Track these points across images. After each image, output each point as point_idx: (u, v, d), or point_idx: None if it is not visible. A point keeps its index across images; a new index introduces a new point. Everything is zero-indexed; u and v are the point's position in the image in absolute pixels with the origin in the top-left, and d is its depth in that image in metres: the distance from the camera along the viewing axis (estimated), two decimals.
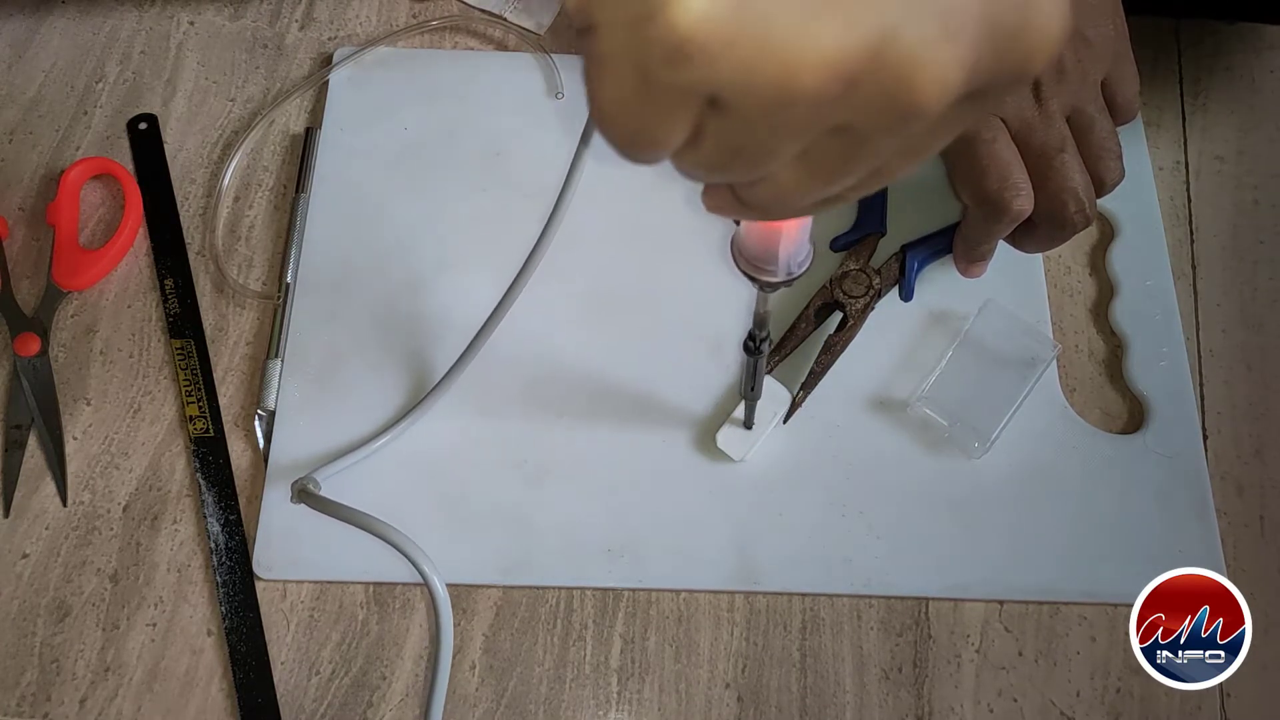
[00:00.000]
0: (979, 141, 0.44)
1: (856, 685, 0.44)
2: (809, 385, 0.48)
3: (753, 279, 0.35)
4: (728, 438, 0.46)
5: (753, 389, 0.44)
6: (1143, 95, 0.57)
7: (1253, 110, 0.58)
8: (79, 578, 0.45)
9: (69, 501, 0.46)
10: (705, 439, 0.47)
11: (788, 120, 0.21)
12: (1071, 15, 0.21)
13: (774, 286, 0.35)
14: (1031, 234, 0.46)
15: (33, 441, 0.47)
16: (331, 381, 0.48)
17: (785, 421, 0.47)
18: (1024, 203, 0.44)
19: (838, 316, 0.50)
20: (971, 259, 0.49)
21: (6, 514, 0.46)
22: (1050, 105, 0.44)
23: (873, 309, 0.49)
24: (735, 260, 0.35)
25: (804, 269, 0.35)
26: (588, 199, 0.53)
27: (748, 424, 0.46)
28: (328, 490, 0.45)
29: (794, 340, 0.49)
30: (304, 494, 0.44)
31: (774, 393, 0.47)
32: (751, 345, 0.41)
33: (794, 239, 0.33)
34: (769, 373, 0.48)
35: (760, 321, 0.40)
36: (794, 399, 0.47)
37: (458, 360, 0.47)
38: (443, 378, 0.47)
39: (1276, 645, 0.45)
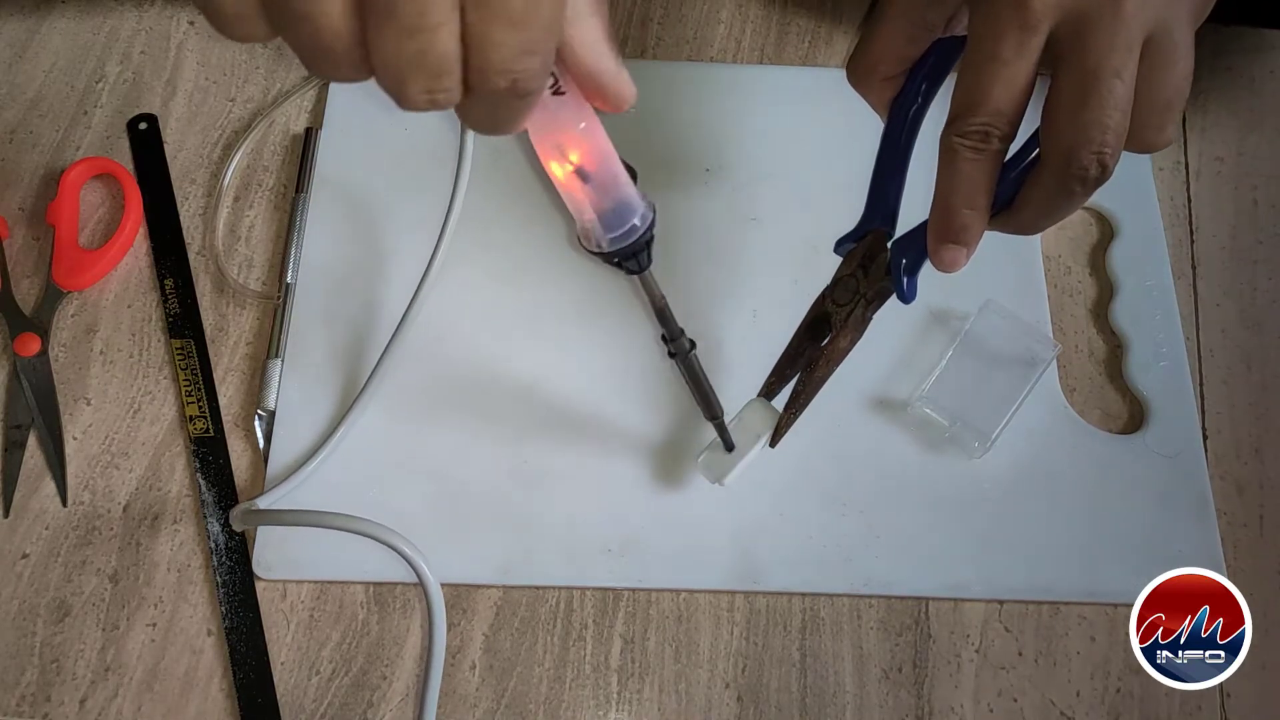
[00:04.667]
0: (1105, 71, 0.33)
1: (856, 685, 0.44)
2: (793, 406, 0.43)
3: (612, 255, 0.35)
4: (707, 460, 0.44)
5: (706, 401, 0.42)
6: None
7: (1252, 111, 0.58)
8: (79, 578, 0.45)
9: (69, 501, 0.46)
10: (705, 439, 0.47)
11: None
12: None
13: (633, 253, 0.35)
14: (1035, 187, 0.36)
15: (33, 441, 0.47)
16: (331, 381, 0.48)
17: (773, 445, 0.43)
18: (1110, 170, 0.34)
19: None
20: (948, 230, 0.37)
21: (6, 514, 0.46)
22: (1127, 8, 0.32)
23: (870, 319, 0.42)
24: (593, 247, 0.35)
25: (649, 222, 0.35)
26: None
27: (726, 445, 0.43)
28: (316, 499, 0.45)
29: (790, 360, 0.44)
30: (249, 515, 0.44)
31: (762, 414, 0.44)
32: (670, 348, 0.39)
33: (614, 179, 0.33)
34: (769, 398, 0.45)
35: (661, 314, 0.38)
36: (779, 422, 0.43)
37: (374, 368, 0.48)
38: (363, 386, 0.47)
39: (1276, 645, 0.45)
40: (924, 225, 0.39)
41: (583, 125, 0.31)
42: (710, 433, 0.45)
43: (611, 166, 0.33)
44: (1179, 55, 0.34)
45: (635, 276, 0.37)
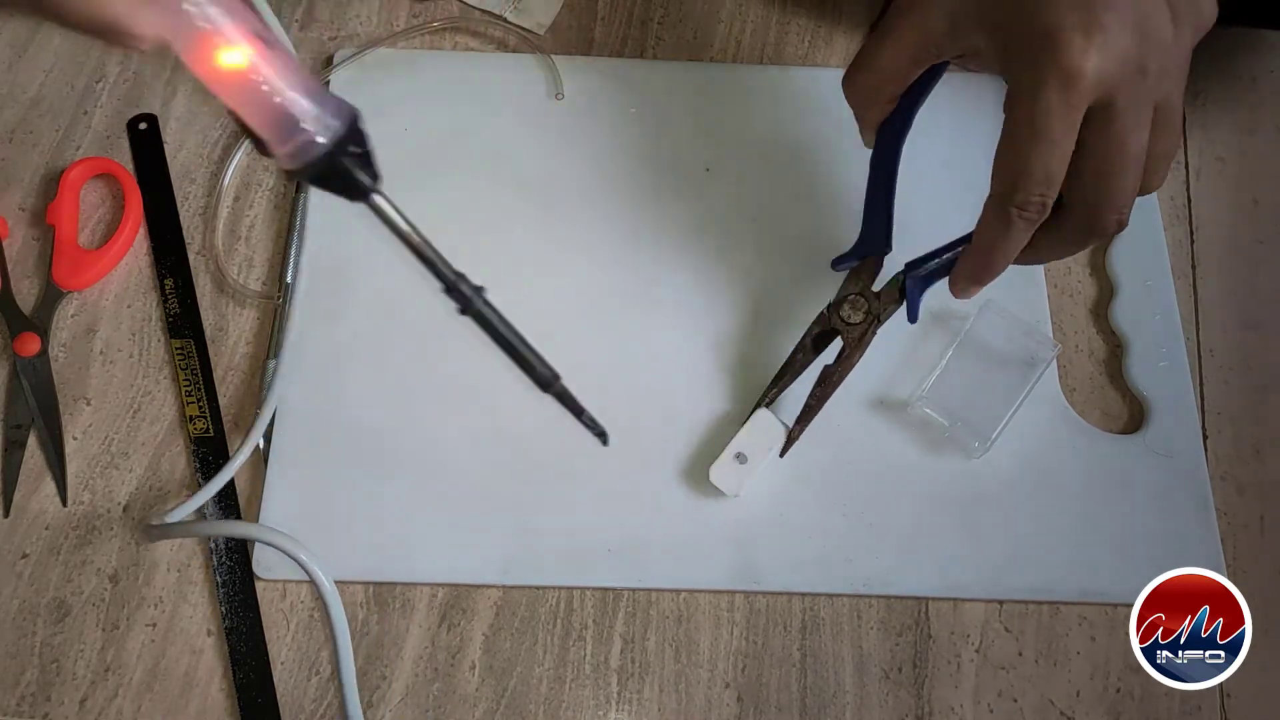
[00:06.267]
0: (1131, 144, 0.37)
1: (856, 685, 0.44)
2: (804, 419, 0.46)
3: (300, 175, 0.29)
4: (721, 473, 0.45)
5: (526, 365, 0.35)
6: None
7: (1253, 111, 0.58)
8: (79, 578, 0.45)
9: (69, 501, 0.46)
10: (705, 439, 0.47)
11: None
12: None
13: (330, 174, 0.29)
14: (1055, 235, 0.40)
15: (33, 441, 0.47)
16: (331, 381, 0.48)
17: (782, 455, 0.46)
18: (1126, 224, 0.39)
19: (838, 346, 0.46)
20: (984, 277, 0.42)
21: (6, 514, 0.46)
22: (1148, 86, 0.37)
23: (874, 336, 0.46)
24: (286, 165, 0.29)
25: (337, 134, 0.28)
26: (588, 200, 0.53)
27: (573, 411, 0.38)
28: (315, 500, 0.45)
29: (792, 372, 0.46)
30: (149, 529, 0.44)
31: (769, 426, 0.46)
32: (454, 292, 0.32)
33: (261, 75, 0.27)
34: (767, 406, 0.46)
35: (419, 254, 0.32)
36: (789, 433, 0.45)
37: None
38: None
39: (1276, 645, 0.45)
40: (938, 253, 0.45)
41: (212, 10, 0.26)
42: (719, 444, 0.46)
43: (262, 61, 0.27)
44: (1177, 117, 0.39)
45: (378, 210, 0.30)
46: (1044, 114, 0.36)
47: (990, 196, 0.39)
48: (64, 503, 0.46)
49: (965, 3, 0.39)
